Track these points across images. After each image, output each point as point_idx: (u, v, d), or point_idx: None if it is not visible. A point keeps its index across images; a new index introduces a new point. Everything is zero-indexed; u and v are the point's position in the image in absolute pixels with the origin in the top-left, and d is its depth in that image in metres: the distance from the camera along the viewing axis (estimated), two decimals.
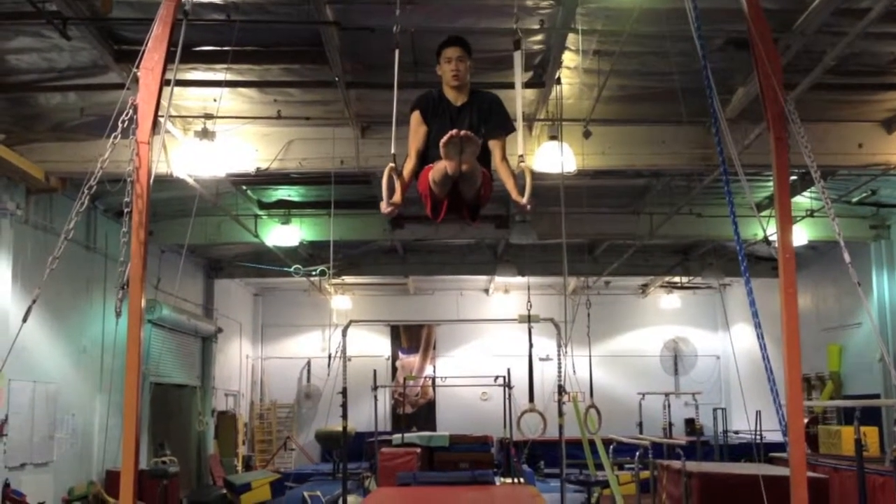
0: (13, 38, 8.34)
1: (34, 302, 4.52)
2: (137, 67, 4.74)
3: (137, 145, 4.64)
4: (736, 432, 19.13)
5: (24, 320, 4.54)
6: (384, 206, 4.72)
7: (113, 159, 4.86)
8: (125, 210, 4.68)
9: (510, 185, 4.83)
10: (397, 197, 4.72)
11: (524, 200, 4.73)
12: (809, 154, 4.77)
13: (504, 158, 4.94)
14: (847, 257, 4.85)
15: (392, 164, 4.79)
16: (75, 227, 4.90)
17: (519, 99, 5.13)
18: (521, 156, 4.92)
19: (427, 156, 4.90)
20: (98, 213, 12.54)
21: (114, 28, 8.21)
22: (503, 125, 4.98)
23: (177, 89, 8.54)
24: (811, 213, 13.41)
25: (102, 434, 13.05)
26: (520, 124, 5.01)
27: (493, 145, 4.94)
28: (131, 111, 4.63)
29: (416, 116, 4.96)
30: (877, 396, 14.61)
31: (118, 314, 4.67)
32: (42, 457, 11.37)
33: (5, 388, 10.17)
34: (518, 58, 5.16)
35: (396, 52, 5.24)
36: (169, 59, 4.88)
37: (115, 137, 4.59)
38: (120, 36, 8.37)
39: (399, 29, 5.28)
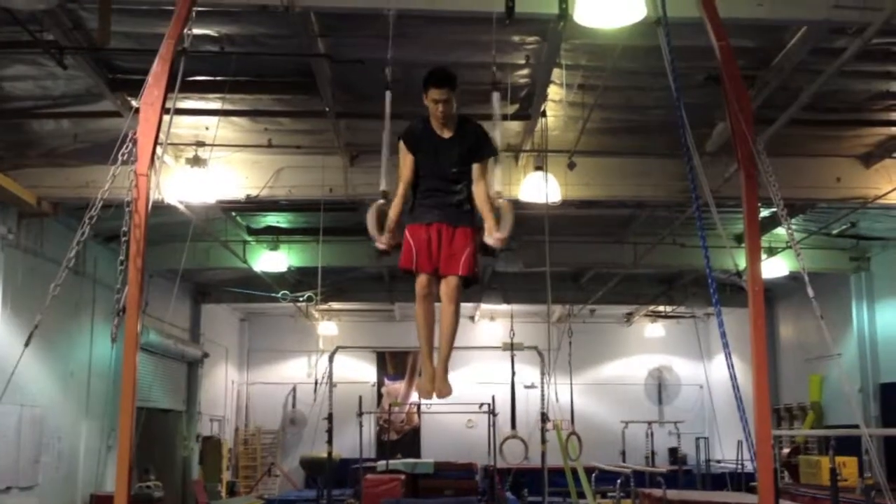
0: (10, 65, 8.50)
1: (36, 327, 4.65)
2: (138, 101, 4.90)
3: (137, 177, 4.78)
4: (718, 461, 19.25)
5: (27, 345, 4.68)
6: (379, 245, 5.04)
7: (105, 185, 4.99)
8: (122, 238, 4.81)
9: (487, 221, 5.02)
10: (388, 236, 5.02)
11: (501, 235, 4.94)
12: (776, 193, 4.96)
13: (486, 189, 5.09)
14: (811, 291, 5.04)
15: (380, 202, 5.08)
16: (65, 252, 5.03)
17: (498, 138, 5.31)
18: (499, 192, 5.14)
19: (416, 185, 5.13)
20: (87, 238, 12.59)
21: (109, 58, 8.37)
22: (489, 150, 5.17)
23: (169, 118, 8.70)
24: (790, 245, 13.61)
25: (87, 458, 13.08)
26: (498, 163, 5.19)
27: (478, 173, 5.12)
28: (131, 144, 4.78)
29: (403, 147, 5.18)
30: (857, 427, 14.77)
31: (114, 340, 4.80)
32: (28, 480, 11.39)
33: None
34: (496, 98, 5.38)
35: (387, 93, 5.46)
36: (168, 90, 5.04)
37: (116, 170, 4.74)
38: (115, 65, 8.54)
39: (391, 72, 5.47)
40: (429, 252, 4.97)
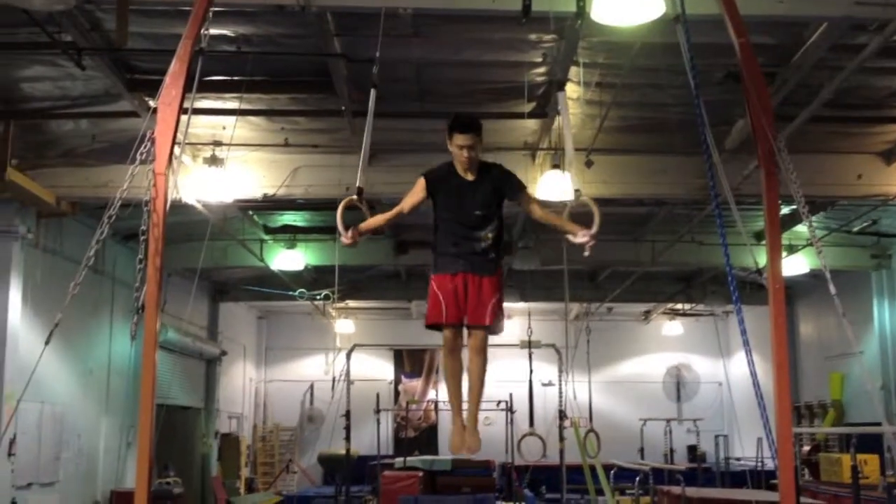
0: (28, 66, 8.56)
1: (56, 326, 4.67)
2: (156, 101, 4.92)
3: (155, 176, 4.80)
4: (738, 459, 19.16)
5: (47, 343, 4.71)
6: (343, 239, 5.05)
7: (123, 185, 5.02)
8: (141, 237, 4.83)
9: (566, 226, 5.04)
10: (360, 228, 5.06)
11: (593, 232, 4.93)
12: (798, 190, 4.92)
13: (542, 207, 5.14)
14: (832, 289, 4.99)
15: (352, 197, 5.20)
16: (83, 251, 5.05)
17: (569, 140, 5.28)
18: (578, 190, 5.20)
19: (437, 224, 5.10)
20: (106, 237, 12.66)
21: (127, 58, 8.41)
22: (519, 189, 5.14)
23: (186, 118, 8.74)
24: (811, 243, 13.53)
25: (107, 455, 13.17)
26: (570, 159, 5.17)
27: (527, 206, 5.15)
28: (149, 144, 4.80)
29: (420, 183, 5.09)
30: (878, 425, 14.68)
31: (133, 338, 4.82)
32: (48, 477, 11.49)
33: (13, 409, 10.29)
34: (562, 98, 5.35)
35: (372, 91, 5.47)
36: (185, 90, 5.06)
37: (134, 169, 4.76)
38: (133, 65, 8.58)
39: (377, 69, 5.46)
40: (456, 303, 4.93)
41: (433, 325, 5.04)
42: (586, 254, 4.97)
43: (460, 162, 5.02)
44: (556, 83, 5.51)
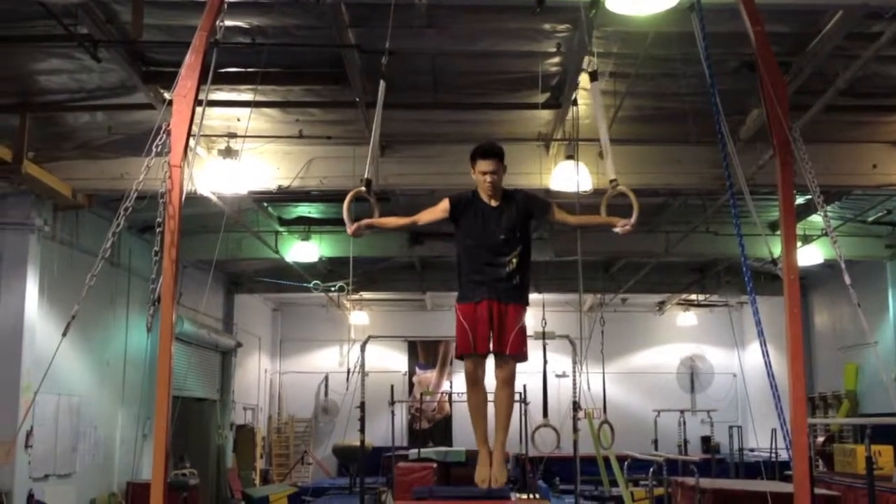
0: (45, 59, 8.60)
1: (73, 318, 4.71)
2: (171, 93, 4.94)
3: (170, 168, 4.83)
4: (752, 450, 19.13)
5: (64, 335, 4.75)
6: (349, 230, 5.10)
7: (139, 177, 5.05)
8: (157, 230, 4.87)
9: (604, 221, 5.22)
10: (367, 222, 5.11)
11: (633, 221, 5.08)
12: (813, 180, 4.91)
13: (572, 214, 5.32)
14: (847, 279, 4.99)
15: (358, 189, 5.19)
16: (99, 243, 5.10)
17: (603, 129, 5.49)
18: (614, 179, 5.30)
19: (460, 255, 5.15)
20: (122, 229, 12.73)
21: (143, 50, 8.44)
22: (546, 207, 5.27)
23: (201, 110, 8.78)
24: (826, 233, 13.49)
25: (124, 446, 13.26)
26: (607, 149, 5.26)
27: (559, 219, 5.29)
28: (165, 136, 4.83)
29: (444, 204, 5.15)
30: (893, 415, 14.62)
31: (149, 330, 4.86)
32: (65, 468, 11.58)
33: (31, 401, 10.38)
34: (596, 89, 5.37)
35: (381, 83, 5.48)
36: (200, 82, 5.08)
37: (150, 161, 4.79)
38: (148, 58, 8.61)
39: (386, 61, 5.49)
40: (480, 332, 4.94)
41: (464, 357, 5.03)
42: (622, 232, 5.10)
43: (483, 188, 5.07)
44: (591, 73, 5.52)
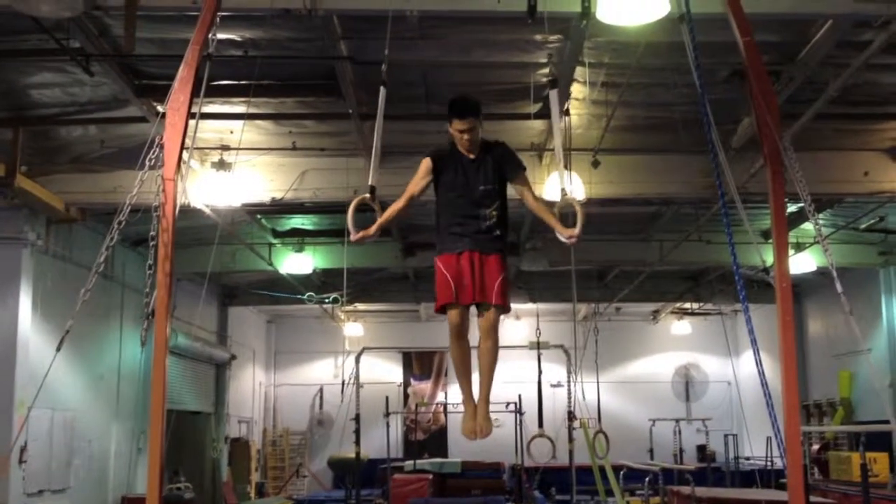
0: (37, 73, 8.61)
1: (67, 332, 4.70)
2: (164, 106, 4.95)
3: (164, 182, 4.83)
4: (747, 458, 19.13)
5: (58, 349, 4.73)
6: (353, 236, 5.08)
7: (132, 190, 5.05)
8: (150, 243, 4.86)
9: (552, 221, 5.06)
10: (371, 229, 5.07)
11: (576, 232, 4.96)
12: (803, 189, 4.93)
13: (536, 197, 5.16)
14: (839, 287, 5.01)
15: (364, 195, 5.20)
16: (93, 257, 5.09)
17: (558, 139, 5.33)
18: (564, 189, 5.22)
19: (439, 204, 5.13)
20: (115, 243, 12.72)
21: (135, 64, 8.45)
22: (518, 164, 5.18)
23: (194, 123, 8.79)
24: (818, 241, 13.52)
25: (118, 460, 13.21)
26: (559, 157, 5.21)
27: (521, 189, 5.15)
28: (158, 149, 4.83)
29: (426, 163, 5.14)
30: (887, 422, 14.65)
31: (143, 343, 4.85)
32: (60, 483, 11.52)
33: (25, 416, 10.35)
34: (554, 96, 5.37)
35: (382, 90, 5.46)
36: (193, 95, 5.09)
37: (143, 174, 4.79)
38: (141, 71, 8.62)
39: (386, 67, 5.49)
40: (464, 283, 4.90)
41: (444, 307, 4.98)
42: (568, 241, 5.01)
43: (462, 145, 5.06)
44: (550, 82, 5.50)
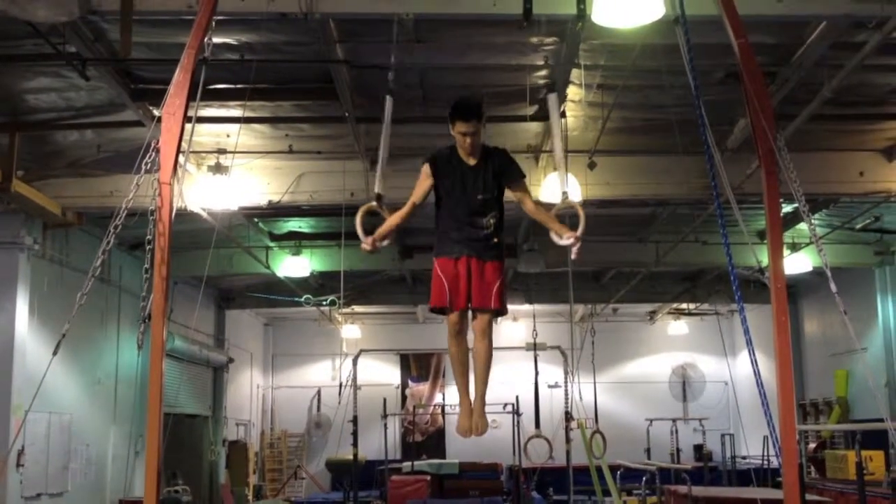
0: (33, 78, 8.61)
1: (64, 336, 4.70)
2: (160, 110, 4.95)
3: (160, 186, 4.83)
4: (744, 457, 19.15)
5: (55, 353, 4.74)
6: (364, 245, 5.13)
7: (129, 194, 5.06)
8: (147, 247, 4.87)
9: (553, 225, 5.14)
10: (378, 234, 5.13)
11: (578, 234, 5.01)
12: (798, 189, 4.95)
13: (536, 202, 5.22)
14: (833, 287, 5.03)
15: (371, 203, 5.25)
16: (90, 261, 5.10)
17: (557, 142, 5.35)
18: (566, 192, 5.26)
19: (439, 206, 5.16)
20: (112, 246, 12.72)
21: (131, 68, 8.45)
22: (518, 172, 5.21)
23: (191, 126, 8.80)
24: (813, 241, 13.54)
25: (116, 464, 13.21)
26: (559, 160, 5.23)
27: (520, 196, 5.20)
28: (154, 153, 4.83)
29: (426, 169, 5.16)
30: (882, 421, 14.68)
31: (140, 347, 4.85)
32: (57, 487, 11.52)
33: (22, 420, 10.35)
34: (553, 100, 5.39)
35: (388, 98, 5.47)
36: (189, 99, 5.09)
37: (139, 178, 4.80)
38: (136, 75, 8.62)
39: (393, 76, 5.51)
40: (459, 287, 4.98)
41: (437, 309, 5.07)
42: (574, 256, 5.07)
43: (463, 148, 5.08)
44: (548, 86, 5.53)
